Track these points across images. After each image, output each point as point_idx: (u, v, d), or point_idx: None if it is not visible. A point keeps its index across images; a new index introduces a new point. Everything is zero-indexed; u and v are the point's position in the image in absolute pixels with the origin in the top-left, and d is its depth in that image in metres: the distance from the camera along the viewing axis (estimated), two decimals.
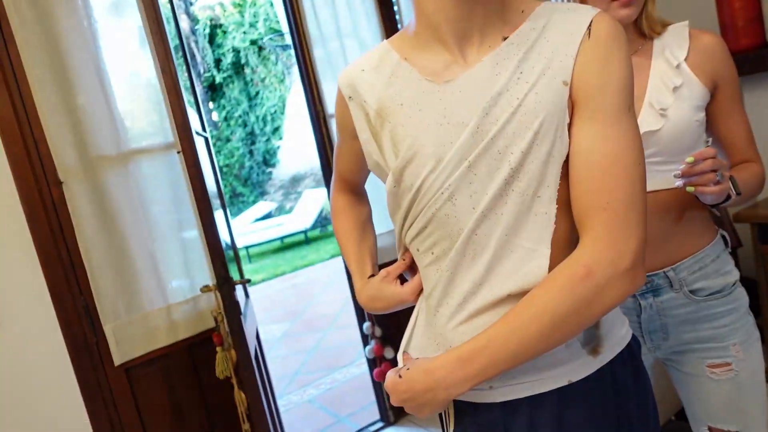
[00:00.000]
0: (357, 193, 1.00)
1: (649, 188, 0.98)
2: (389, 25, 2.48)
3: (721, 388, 1.06)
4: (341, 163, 0.94)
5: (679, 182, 0.95)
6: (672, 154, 1.02)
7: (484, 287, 0.71)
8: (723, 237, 1.11)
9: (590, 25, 0.68)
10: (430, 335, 0.77)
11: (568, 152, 0.68)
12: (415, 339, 0.80)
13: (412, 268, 0.83)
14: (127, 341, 1.83)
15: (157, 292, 1.91)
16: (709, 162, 0.91)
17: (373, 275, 0.89)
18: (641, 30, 1.07)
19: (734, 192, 0.98)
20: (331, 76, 2.42)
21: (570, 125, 0.68)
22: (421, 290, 0.80)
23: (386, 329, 2.48)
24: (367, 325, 2.46)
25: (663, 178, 1.01)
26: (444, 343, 0.74)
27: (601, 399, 0.73)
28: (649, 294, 1.07)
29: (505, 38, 0.71)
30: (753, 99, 2.34)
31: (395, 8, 2.54)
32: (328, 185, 2.64)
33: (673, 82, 1.02)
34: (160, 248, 1.92)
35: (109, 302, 1.81)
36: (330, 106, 2.41)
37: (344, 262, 0.85)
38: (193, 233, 1.99)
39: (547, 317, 0.64)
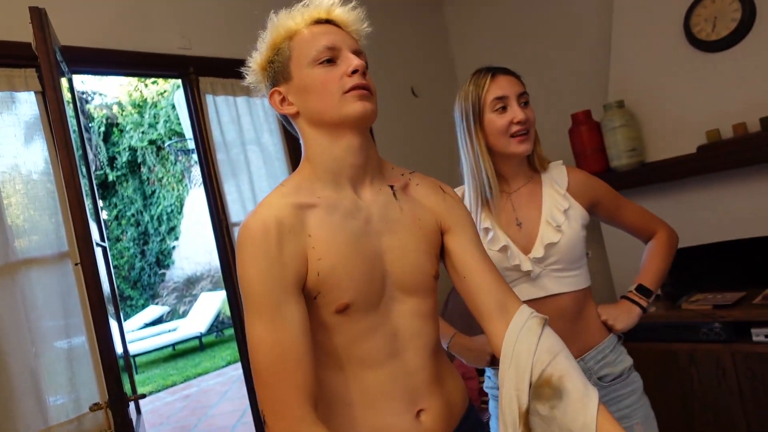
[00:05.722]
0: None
1: (553, 292, 1.21)
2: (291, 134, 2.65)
3: None
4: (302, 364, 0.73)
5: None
6: (568, 262, 1.24)
7: None
8: None
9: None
10: None
11: None
12: None
13: None
14: None
15: (35, 413, 1.75)
16: None
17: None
18: (533, 165, 1.33)
19: (645, 304, 1.30)
20: (233, 182, 2.48)
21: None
22: None
23: None
24: None
25: (562, 282, 1.23)
26: None
27: None
28: None
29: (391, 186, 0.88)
30: None
31: None
32: (227, 287, 2.59)
33: (563, 205, 1.26)
34: (43, 362, 1.79)
35: None
36: (233, 214, 2.45)
37: None
38: (81, 340, 1.88)
39: None
